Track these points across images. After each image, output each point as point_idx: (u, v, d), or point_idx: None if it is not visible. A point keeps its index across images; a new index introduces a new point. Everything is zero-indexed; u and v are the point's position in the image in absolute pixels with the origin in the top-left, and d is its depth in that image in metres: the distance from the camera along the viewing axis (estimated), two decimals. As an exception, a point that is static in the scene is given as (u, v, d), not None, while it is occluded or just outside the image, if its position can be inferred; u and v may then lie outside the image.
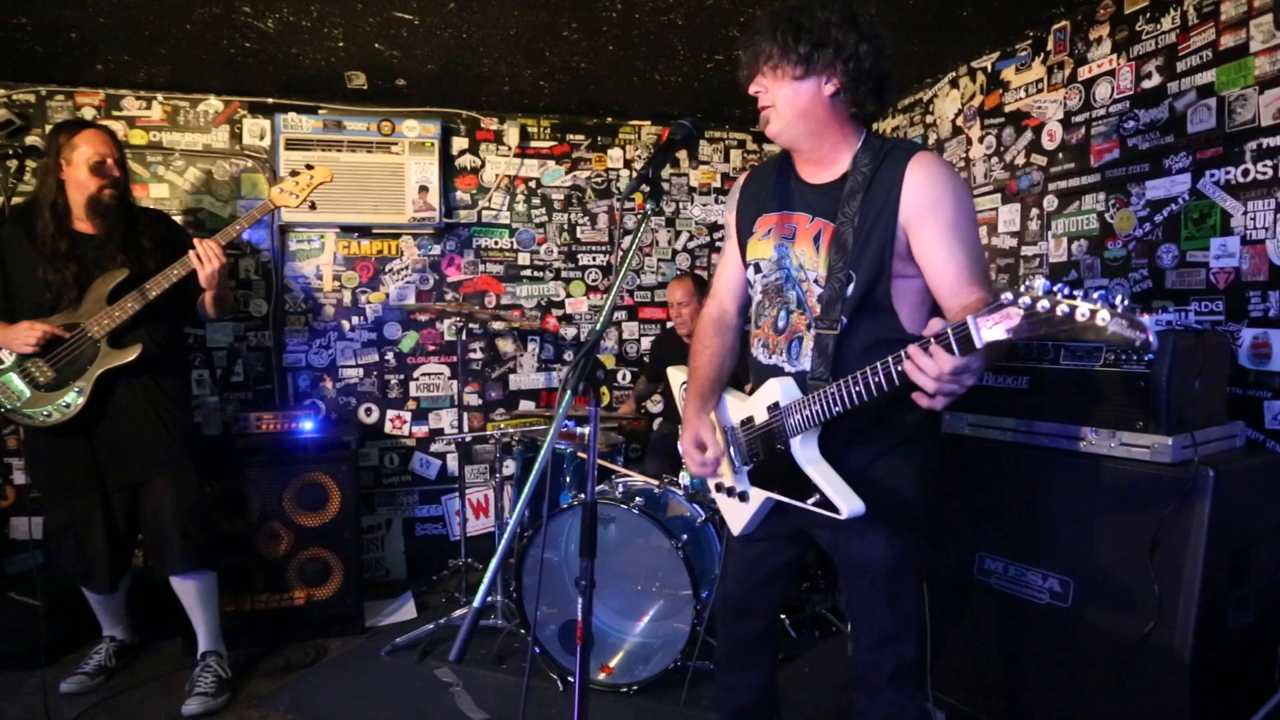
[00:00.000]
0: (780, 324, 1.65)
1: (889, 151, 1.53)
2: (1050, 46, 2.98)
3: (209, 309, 2.67)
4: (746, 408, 1.67)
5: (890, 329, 1.53)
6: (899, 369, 1.31)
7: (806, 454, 1.53)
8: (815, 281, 1.58)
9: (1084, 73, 2.84)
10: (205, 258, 2.54)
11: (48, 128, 3.45)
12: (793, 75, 1.51)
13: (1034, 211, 3.08)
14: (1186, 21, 2.48)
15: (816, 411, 1.48)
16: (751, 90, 1.59)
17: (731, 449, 1.72)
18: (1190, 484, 1.84)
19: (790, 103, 1.53)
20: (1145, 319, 1.04)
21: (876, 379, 1.36)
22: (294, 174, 2.75)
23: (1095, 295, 1.07)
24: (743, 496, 1.71)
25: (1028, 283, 1.11)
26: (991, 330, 1.15)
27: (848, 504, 1.46)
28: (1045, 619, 2.13)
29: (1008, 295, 1.13)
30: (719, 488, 1.79)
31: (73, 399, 2.49)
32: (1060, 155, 2.95)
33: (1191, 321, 2.47)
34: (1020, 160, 3.14)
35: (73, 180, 2.54)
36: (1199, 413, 1.99)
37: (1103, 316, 1.04)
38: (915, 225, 1.48)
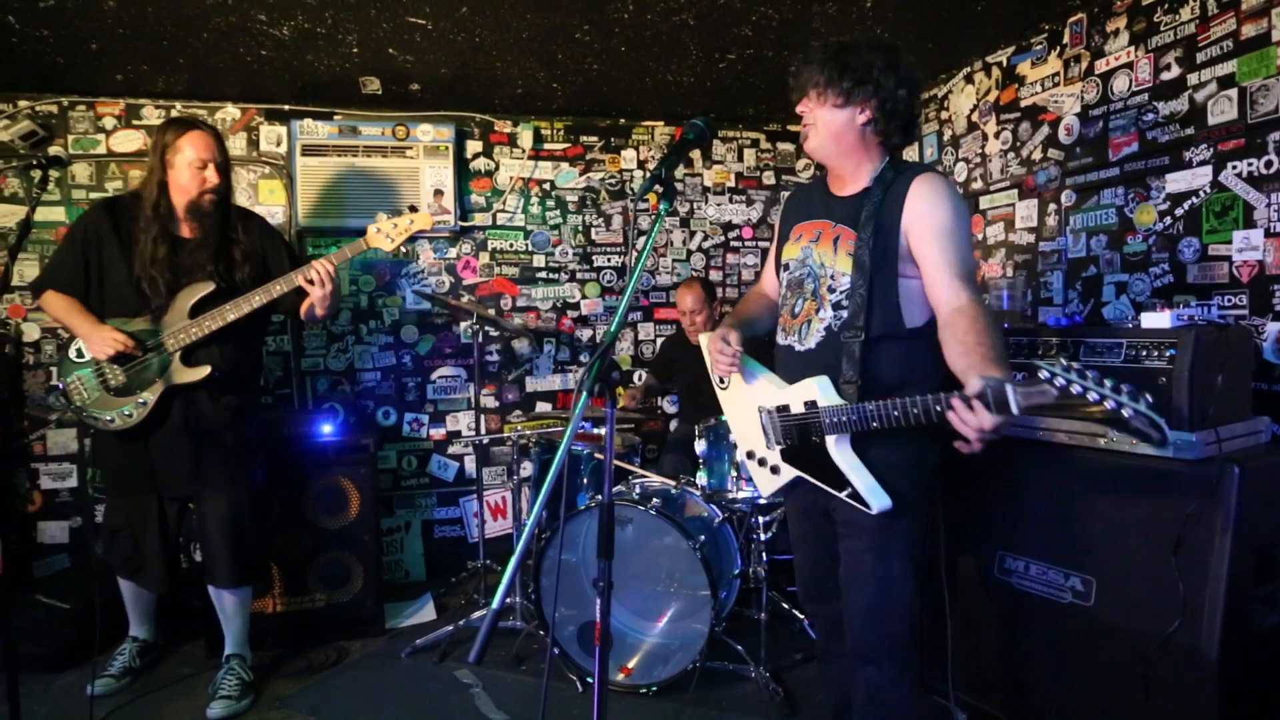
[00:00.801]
0: (796, 309, 1.88)
1: (901, 174, 1.76)
2: (1066, 40, 2.95)
3: (317, 315, 2.67)
4: (783, 396, 1.84)
5: (894, 323, 1.74)
6: (938, 410, 1.51)
7: (842, 453, 1.72)
8: (831, 276, 1.80)
9: (1101, 66, 2.81)
10: (320, 280, 2.56)
11: (70, 138, 3.51)
12: (834, 103, 1.75)
13: (1051, 207, 3.05)
14: (1206, 11, 2.45)
15: (853, 421, 1.67)
16: (798, 109, 1.83)
17: (767, 428, 1.90)
18: (1215, 481, 1.82)
19: (828, 125, 1.78)
20: (1161, 421, 1.23)
21: (915, 412, 1.55)
22: (395, 214, 2.76)
23: (1124, 388, 1.24)
24: (774, 470, 1.91)
25: (1063, 365, 1.29)
26: (1028, 402, 1.33)
27: (877, 500, 1.68)
28: (1067, 618, 2.11)
29: (1045, 372, 1.31)
30: (750, 455, 1.99)
31: (135, 409, 2.52)
32: (1078, 149, 2.92)
33: (1214, 316, 2.43)
34: (1037, 155, 3.11)
35: (174, 182, 2.54)
36: (1222, 409, 1.96)
37: (1127, 413, 1.22)
38: (914, 228, 1.70)
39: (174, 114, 3.61)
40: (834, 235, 1.82)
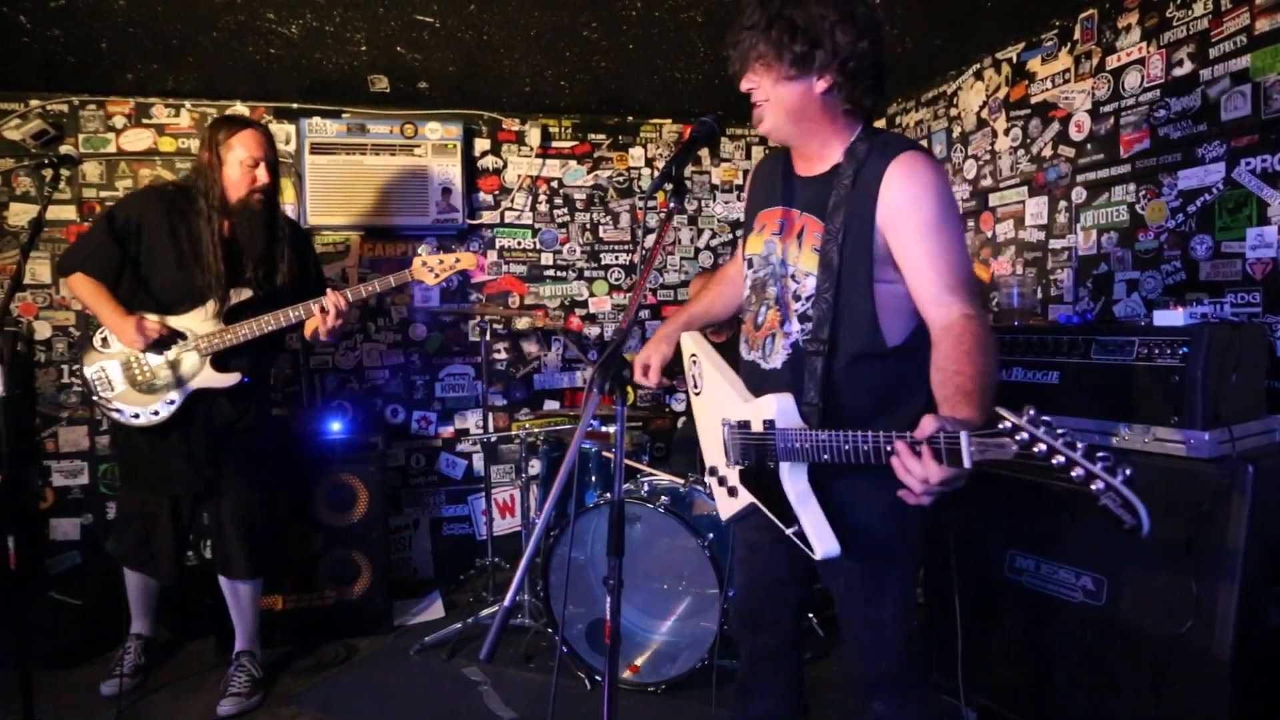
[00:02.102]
0: (760, 319, 1.63)
1: (875, 150, 1.46)
2: (1077, 35, 2.93)
3: (320, 339, 2.70)
4: (746, 411, 1.60)
5: (871, 342, 1.47)
6: (888, 450, 1.26)
7: (794, 484, 1.48)
8: (793, 278, 1.55)
9: (1112, 61, 2.79)
10: (332, 313, 2.56)
11: (81, 137, 3.53)
12: (785, 75, 1.45)
13: (1062, 204, 3.03)
14: (1219, 6, 2.43)
15: (806, 449, 1.42)
16: (743, 87, 1.52)
17: (728, 444, 1.66)
18: (1228, 480, 1.80)
19: (782, 102, 1.48)
20: (1141, 507, 0.98)
21: (866, 449, 1.31)
22: (442, 251, 2.82)
23: (1100, 455, 1.00)
24: (731, 491, 1.70)
25: (1031, 414, 1.05)
26: (982, 455, 1.11)
27: (822, 545, 1.43)
28: (1078, 618, 2.10)
29: (1008, 423, 1.07)
30: (712, 471, 1.77)
31: (163, 408, 2.51)
32: (1089, 146, 2.90)
33: (1227, 314, 2.41)
34: (1047, 152, 3.09)
35: (227, 180, 2.52)
36: (1236, 407, 1.94)
37: (1096, 485, 0.99)
38: (892, 227, 1.42)
39: (184, 111, 3.64)
40: (799, 226, 1.55)
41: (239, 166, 2.51)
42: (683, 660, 2.68)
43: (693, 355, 1.90)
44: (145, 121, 3.62)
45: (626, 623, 2.80)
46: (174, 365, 2.52)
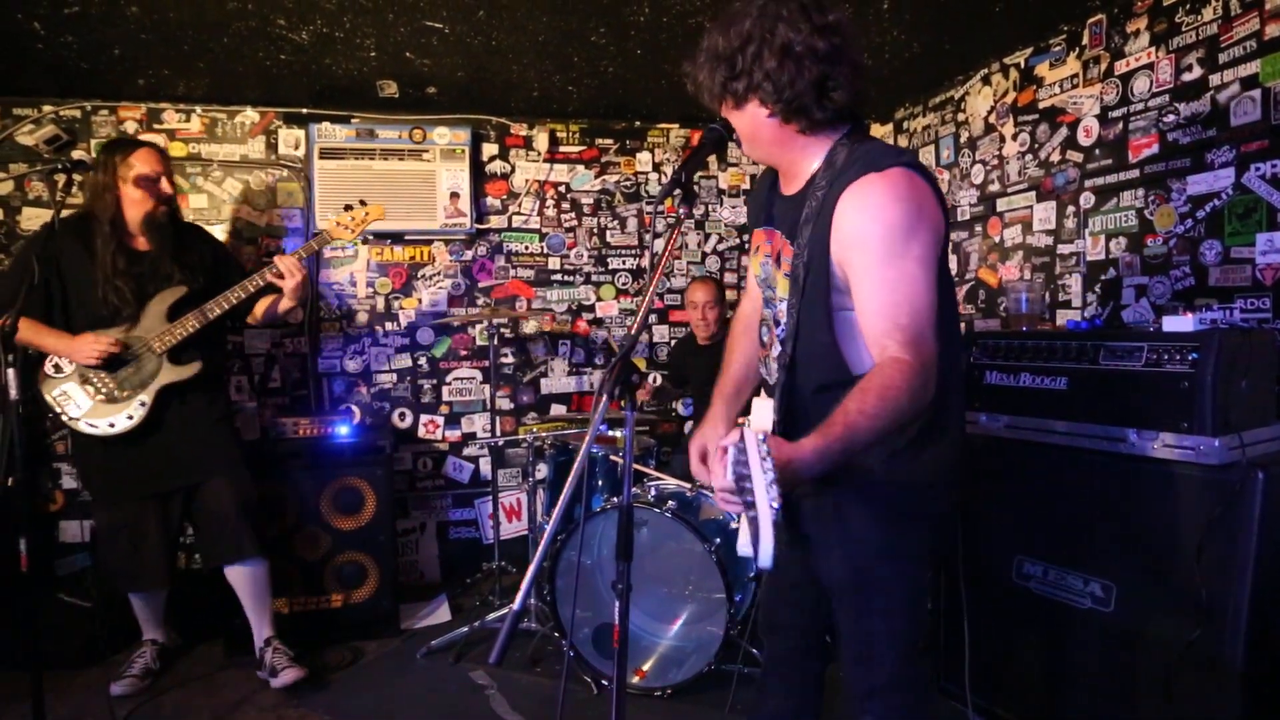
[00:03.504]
0: (764, 339, 1.63)
1: (847, 165, 1.38)
2: (1085, 41, 2.93)
3: (281, 313, 2.84)
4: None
5: (835, 369, 1.42)
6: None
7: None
8: (778, 303, 1.52)
9: (1121, 67, 2.79)
10: (290, 272, 2.69)
11: (93, 142, 3.55)
12: (730, 106, 1.45)
13: (1070, 209, 3.02)
14: (1229, 11, 2.42)
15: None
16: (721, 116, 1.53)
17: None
18: (1239, 486, 1.79)
19: (742, 130, 1.48)
20: (765, 545, 1.00)
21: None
22: (349, 209, 2.90)
23: (772, 492, 1.01)
24: None
25: (761, 438, 1.05)
26: (736, 468, 1.08)
27: (763, 555, 1.37)
28: (1086, 624, 2.09)
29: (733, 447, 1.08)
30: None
31: (136, 411, 2.59)
32: (1097, 151, 2.90)
33: (1237, 319, 2.40)
34: (1055, 157, 3.08)
35: (128, 198, 2.63)
36: (1246, 413, 1.93)
37: (750, 514, 1.01)
38: (845, 258, 1.35)
39: (194, 117, 3.67)
40: (778, 249, 1.52)
41: (139, 185, 2.61)
42: (689, 665, 2.68)
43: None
44: (156, 127, 3.64)
45: (633, 627, 2.80)
46: (137, 369, 2.60)
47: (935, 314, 1.32)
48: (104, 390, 2.57)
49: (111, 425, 2.57)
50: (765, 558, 1.01)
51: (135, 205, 2.64)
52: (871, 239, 1.30)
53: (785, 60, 1.34)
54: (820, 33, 1.34)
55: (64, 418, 2.57)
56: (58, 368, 2.59)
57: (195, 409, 2.70)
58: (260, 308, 2.83)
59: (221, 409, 2.82)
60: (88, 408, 2.57)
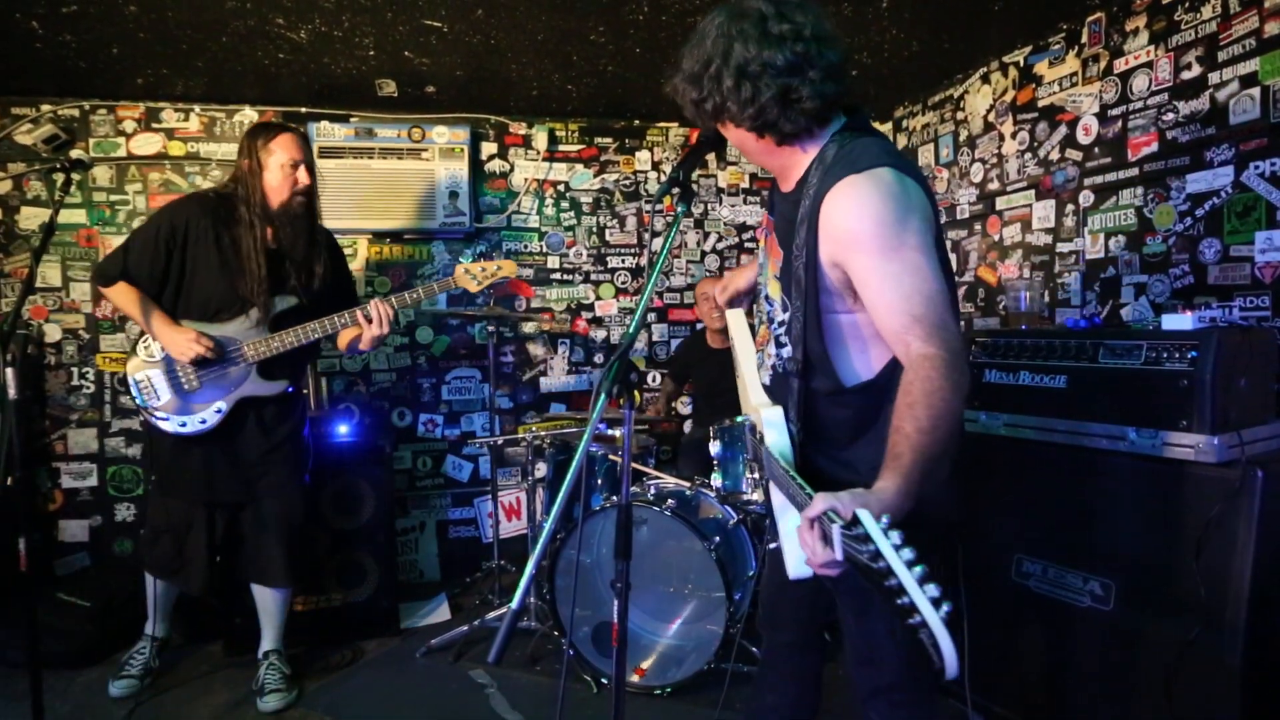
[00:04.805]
0: (757, 331, 1.65)
1: (834, 164, 1.35)
2: (1085, 39, 2.93)
3: (359, 349, 2.67)
4: (755, 414, 1.57)
5: (838, 374, 1.42)
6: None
7: (778, 495, 1.45)
8: (769, 300, 1.54)
9: (1120, 65, 2.79)
10: (378, 321, 2.55)
11: (91, 141, 3.55)
12: (707, 121, 1.45)
13: (1069, 208, 3.02)
14: (1228, 9, 2.42)
15: (777, 476, 1.39)
16: None
17: (748, 442, 1.63)
18: (1238, 484, 1.80)
19: (730, 138, 1.48)
20: (947, 653, 0.88)
21: (798, 500, 1.25)
22: (483, 258, 2.83)
23: (929, 589, 0.92)
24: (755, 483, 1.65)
25: (884, 522, 0.98)
26: (849, 553, 1.03)
27: (794, 568, 1.38)
28: (1086, 622, 2.09)
29: (860, 528, 1.00)
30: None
31: (211, 417, 2.52)
32: (1096, 150, 2.90)
33: (1236, 318, 2.40)
34: (1055, 156, 3.08)
35: (267, 185, 2.52)
36: (1245, 411, 1.94)
37: (916, 618, 0.90)
38: (842, 259, 1.33)
39: (193, 116, 3.67)
40: (771, 247, 1.54)
41: (279, 170, 2.51)
42: (689, 663, 2.68)
43: (730, 336, 1.85)
44: (155, 126, 3.64)
45: (632, 626, 2.80)
46: (223, 373, 2.52)
47: (948, 297, 1.30)
48: (186, 386, 2.51)
49: (183, 425, 2.50)
50: (950, 665, 0.89)
51: (274, 193, 2.51)
52: (864, 236, 1.29)
53: (742, 80, 1.33)
54: (777, 45, 1.31)
55: (139, 402, 2.52)
56: (150, 352, 2.53)
57: (267, 425, 2.62)
58: (344, 339, 2.71)
59: (291, 427, 2.69)
60: (165, 400, 2.50)
